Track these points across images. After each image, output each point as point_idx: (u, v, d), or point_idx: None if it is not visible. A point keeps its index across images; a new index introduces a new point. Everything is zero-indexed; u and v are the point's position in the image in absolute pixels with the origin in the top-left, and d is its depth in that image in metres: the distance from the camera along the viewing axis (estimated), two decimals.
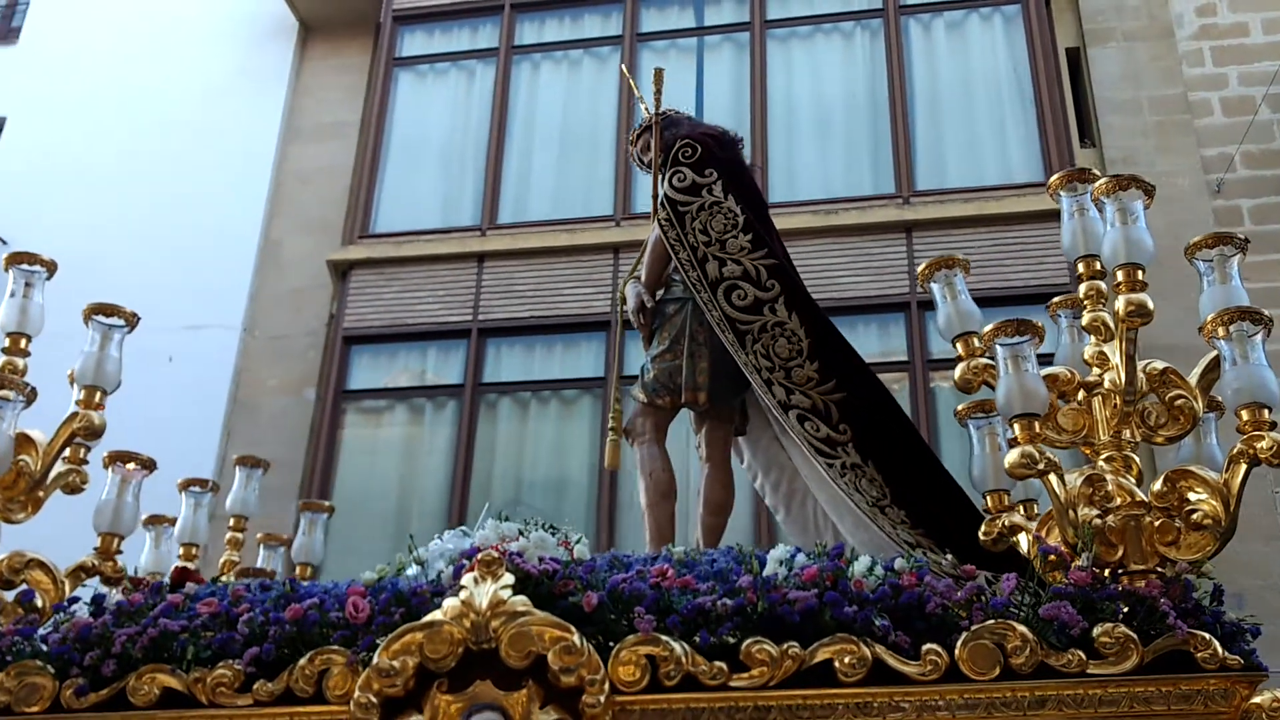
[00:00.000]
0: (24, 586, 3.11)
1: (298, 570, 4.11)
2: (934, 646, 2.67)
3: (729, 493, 3.93)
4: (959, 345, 3.13)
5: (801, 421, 3.47)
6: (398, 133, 10.64)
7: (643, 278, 3.98)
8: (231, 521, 4.10)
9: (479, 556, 2.80)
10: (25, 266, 3.26)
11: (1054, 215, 9.20)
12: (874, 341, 8.92)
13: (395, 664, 2.67)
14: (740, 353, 3.59)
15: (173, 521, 4.05)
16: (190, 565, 3.80)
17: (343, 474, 9.50)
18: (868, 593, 2.76)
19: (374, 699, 2.65)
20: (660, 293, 3.98)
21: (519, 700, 2.66)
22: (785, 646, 2.68)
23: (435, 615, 2.73)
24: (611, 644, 2.71)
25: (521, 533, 3.03)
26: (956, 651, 2.65)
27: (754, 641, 2.69)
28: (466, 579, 2.77)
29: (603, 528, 8.56)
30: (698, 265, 3.69)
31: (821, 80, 9.93)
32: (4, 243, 10.38)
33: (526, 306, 9.52)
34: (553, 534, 3.07)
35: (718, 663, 2.69)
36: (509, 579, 2.76)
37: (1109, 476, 2.84)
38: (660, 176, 3.98)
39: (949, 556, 3.06)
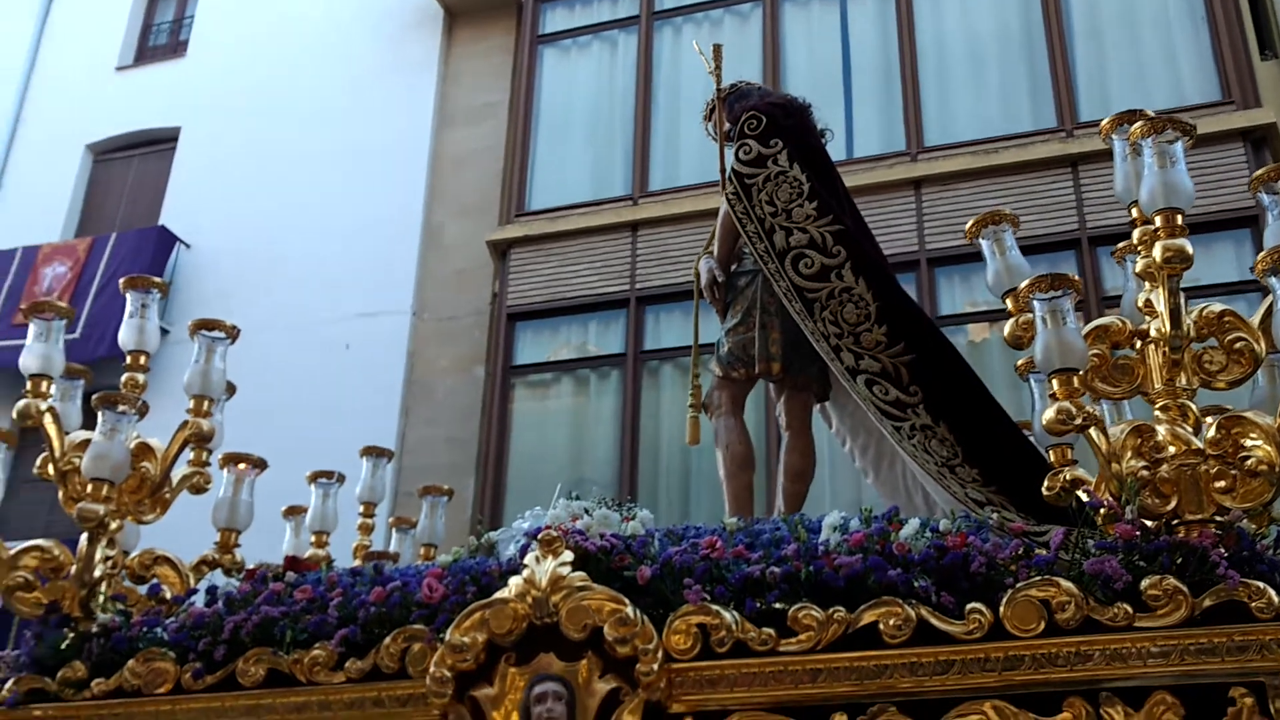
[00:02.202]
0: (154, 581, 3.47)
1: (422, 551, 4.39)
2: (978, 606, 2.68)
3: (808, 460, 3.99)
4: (1008, 301, 3.10)
5: (870, 386, 3.50)
6: (546, 109, 10.89)
7: (714, 252, 4.06)
8: (361, 508, 4.40)
9: (540, 536, 2.97)
10: (140, 290, 3.60)
11: (1238, 135, 8.52)
12: None
13: (466, 640, 2.87)
14: (808, 321, 3.64)
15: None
16: (321, 551, 4.13)
17: (516, 446, 9.87)
18: (912, 555, 2.80)
19: (448, 673, 2.85)
20: (734, 266, 4.05)
21: (579, 671, 2.82)
22: (831, 611, 2.75)
23: (501, 593, 2.92)
24: (667, 614, 2.84)
25: (587, 510, 3.19)
26: (1001, 610, 2.66)
27: (800, 607, 2.77)
28: (529, 558, 2.94)
29: (773, 486, 8.61)
30: (765, 236, 3.74)
31: (971, 15, 9.63)
32: (187, 246, 11.20)
33: (682, 271, 9.63)
34: (617, 510, 3.21)
35: (766, 629, 2.78)
36: (568, 556, 2.92)
37: (1161, 427, 2.78)
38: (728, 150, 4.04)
39: (995, 516, 3.05)
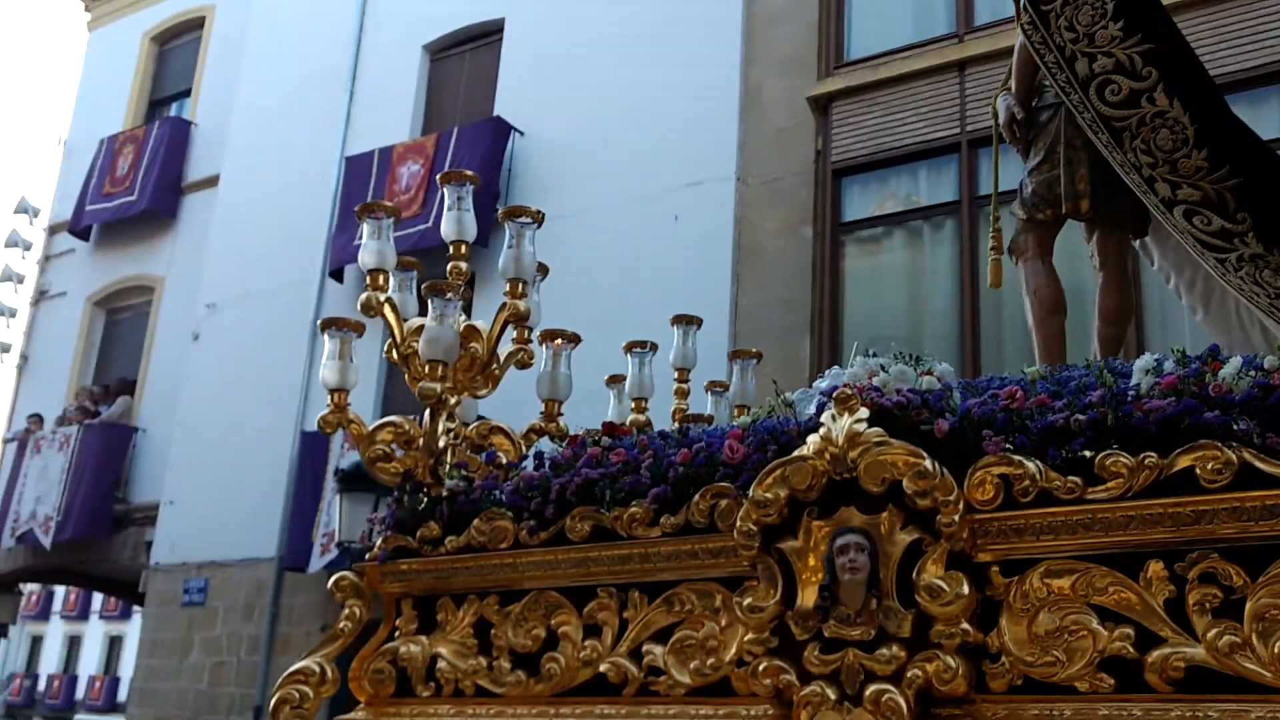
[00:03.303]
0: (490, 449, 3.82)
1: (734, 413, 4.53)
2: None
3: (1125, 300, 3.77)
4: None
5: (1189, 217, 3.25)
6: None
7: (1012, 88, 3.84)
8: (676, 374, 4.60)
9: (835, 394, 3.01)
10: (455, 184, 3.88)
11: None
12: None
13: (768, 496, 2.97)
14: (1117, 153, 3.40)
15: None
16: (641, 417, 4.37)
17: (850, 305, 9.86)
18: (1232, 396, 2.62)
19: (754, 527, 2.98)
20: (1034, 101, 3.83)
21: (881, 523, 2.87)
22: (1142, 457, 2.63)
23: (800, 451, 3.00)
24: (966, 467, 2.83)
25: (884, 367, 3.19)
26: None
27: (1108, 454, 2.67)
28: (825, 416, 3.00)
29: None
30: (1065, 65, 3.50)
31: None
32: (521, 133, 11.75)
33: None
34: (915, 366, 3.20)
35: (1072, 477, 2.71)
36: (864, 413, 2.95)
37: None
38: None
39: None
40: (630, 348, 4.50)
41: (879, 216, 9.93)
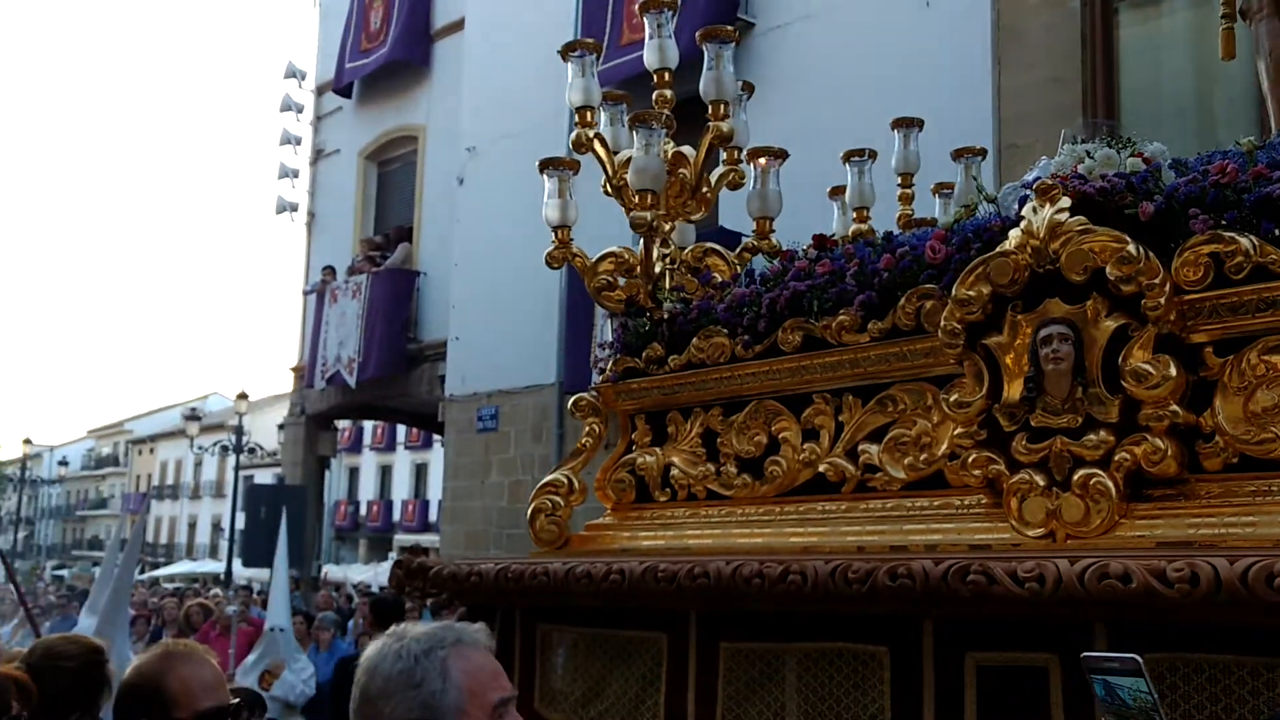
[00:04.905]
0: (706, 270, 3.95)
1: (958, 214, 4.43)
2: None
3: None
4: None
5: None
6: None
7: None
8: (899, 179, 4.53)
9: (1036, 185, 2.96)
10: (654, 11, 3.92)
11: None
12: None
13: (971, 294, 2.99)
14: None
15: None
16: (864, 226, 4.37)
17: (1127, 81, 9.19)
18: None
19: (958, 325, 3.01)
20: None
21: (1085, 312, 2.85)
22: None
23: (1001, 246, 2.99)
24: (1176, 248, 2.75)
25: (1089, 154, 3.09)
26: None
27: None
28: (1026, 209, 2.96)
29: None
30: None
31: None
32: None
33: None
34: (1123, 149, 3.08)
35: None
36: (1065, 202, 2.89)
37: None
38: None
39: None
40: (848, 157, 4.47)
41: None
